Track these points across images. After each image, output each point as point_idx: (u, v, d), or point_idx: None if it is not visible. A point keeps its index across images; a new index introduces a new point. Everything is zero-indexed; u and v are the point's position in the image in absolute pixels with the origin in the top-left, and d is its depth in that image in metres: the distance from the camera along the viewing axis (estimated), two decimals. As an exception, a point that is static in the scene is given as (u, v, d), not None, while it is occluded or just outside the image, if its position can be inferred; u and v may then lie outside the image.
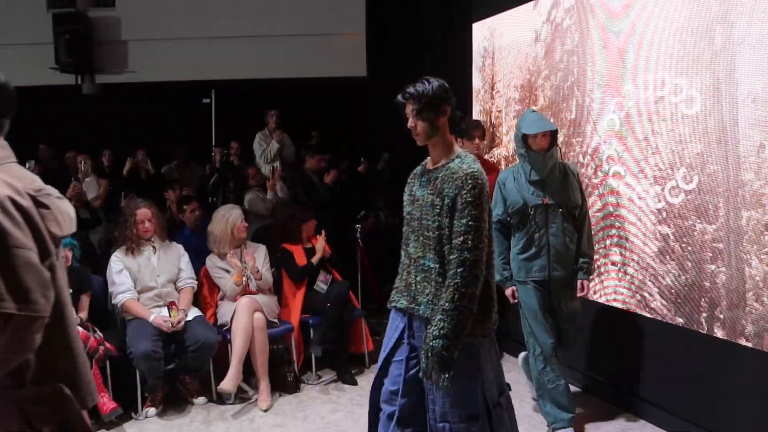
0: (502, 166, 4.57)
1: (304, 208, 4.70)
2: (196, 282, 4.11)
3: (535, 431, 3.36)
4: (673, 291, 3.29)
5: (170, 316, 3.74)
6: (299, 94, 7.42)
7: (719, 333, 3.02)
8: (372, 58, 7.23)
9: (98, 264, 4.31)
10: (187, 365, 3.81)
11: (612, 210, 3.68)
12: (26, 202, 1.29)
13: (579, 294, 3.26)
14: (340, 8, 7.35)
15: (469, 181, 2.14)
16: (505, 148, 4.67)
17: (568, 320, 3.27)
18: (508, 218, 3.30)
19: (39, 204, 1.33)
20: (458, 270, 2.11)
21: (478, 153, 4.09)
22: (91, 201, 5.01)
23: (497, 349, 2.38)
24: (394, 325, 2.38)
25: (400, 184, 2.51)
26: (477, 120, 4.42)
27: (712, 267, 3.05)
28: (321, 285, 4.33)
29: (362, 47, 7.28)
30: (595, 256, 3.53)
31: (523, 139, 3.18)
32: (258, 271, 4.12)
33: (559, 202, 3.19)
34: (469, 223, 2.11)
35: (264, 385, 3.86)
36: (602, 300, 3.77)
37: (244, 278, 4.07)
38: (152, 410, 3.71)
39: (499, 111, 4.78)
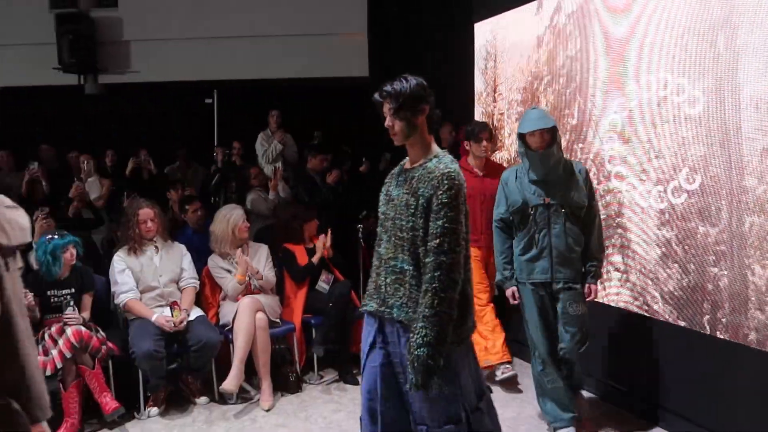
0: (507, 169, 4.56)
1: (306, 208, 4.70)
2: (199, 282, 4.11)
3: (536, 431, 3.37)
4: (675, 294, 3.28)
5: (172, 315, 3.75)
6: (301, 94, 7.43)
7: (722, 336, 3.01)
8: (373, 59, 7.23)
9: (101, 264, 4.34)
10: (190, 365, 3.82)
11: (615, 210, 3.68)
12: None
13: (587, 298, 3.18)
14: (342, 8, 7.37)
15: (446, 182, 2.06)
16: (507, 150, 4.67)
17: (572, 324, 3.15)
18: (511, 217, 3.25)
19: None
20: (435, 274, 2.02)
21: (486, 155, 4.11)
22: (94, 201, 5.03)
23: (475, 354, 2.32)
24: (367, 330, 2.29)
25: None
26: (484, 122, 4.40)
27: (715, 270, 3.04)
28: (323, 285, 4.34)
29: (364, 47, 7.28)
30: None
31: (522, 138, 3.15)
32: (258, 271, 4.13)
33: (562, 202, 3.11)
34: (445, 225, 2.04)
35: (266, 385, 3.87)
36: (603, 301, 3.77)
37: (247, 277, 4.08)
38: (154, 410, 3.72)
39: (501, 114, 4.77)
